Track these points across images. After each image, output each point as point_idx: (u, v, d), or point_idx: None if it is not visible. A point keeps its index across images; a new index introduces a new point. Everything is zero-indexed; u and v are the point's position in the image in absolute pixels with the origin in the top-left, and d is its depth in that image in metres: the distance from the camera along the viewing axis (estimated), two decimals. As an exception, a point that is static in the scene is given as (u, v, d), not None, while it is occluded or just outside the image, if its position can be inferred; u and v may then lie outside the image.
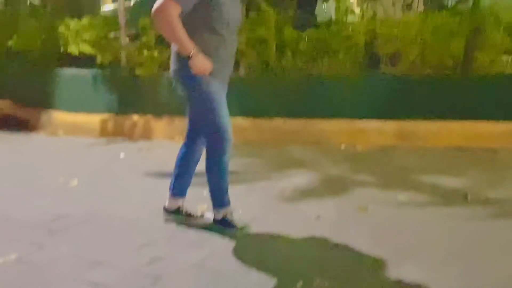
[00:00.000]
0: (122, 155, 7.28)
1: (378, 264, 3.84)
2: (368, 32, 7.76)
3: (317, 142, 7.52)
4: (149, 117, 8.47)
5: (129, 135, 8.47)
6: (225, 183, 4.45)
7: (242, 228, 4.52)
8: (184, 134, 4.67)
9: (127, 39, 8.58)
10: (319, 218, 4.77)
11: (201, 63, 4.08)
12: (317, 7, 9.86)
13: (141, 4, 9.54)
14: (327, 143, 7.50)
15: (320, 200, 5.27)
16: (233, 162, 4.43)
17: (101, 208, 5.09)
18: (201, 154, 4.61)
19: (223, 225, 4.54)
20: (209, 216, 4.69)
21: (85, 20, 8.73)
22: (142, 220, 4.81)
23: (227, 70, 4.35)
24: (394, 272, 3.72)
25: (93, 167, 6.65)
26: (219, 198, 4.49)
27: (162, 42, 7.87)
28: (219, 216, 4.56)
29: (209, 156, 4.33)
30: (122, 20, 8.62)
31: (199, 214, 4.75)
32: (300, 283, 3.55)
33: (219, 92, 4.26)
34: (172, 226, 4.64)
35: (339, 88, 7.60)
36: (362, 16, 7.97)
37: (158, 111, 8.36)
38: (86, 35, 8.57)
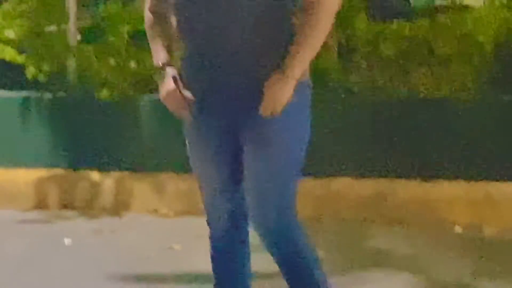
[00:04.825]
0: (67, 241, 6.36)
1: None
2: (501, 27, 7.02)
3: (411, 221, 6.63)
4: (119, 174, 7.47)
5: (83, 206, 7.38)
6: None
7: None
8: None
9: (79, 36, 7.86)
10: None
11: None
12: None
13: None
14: (430, 222, 6.53)
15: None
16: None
17: None
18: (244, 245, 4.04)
19: None
20: None
21: (7, 5, 7.95)
22: None
23: (211, 99, 3.67)
24: None
25: (15, 262, 5.84)
26: None
27: (140, 43, 7.21)
28: None
29: None
30: (72, 4, 7.66)
31: None
32: None
33: (193, 137, 3.71)
34: None
35: (450, 123, 6.67)
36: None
37: (135, 164, 7.37)
38: (9, 30, 7.82)
